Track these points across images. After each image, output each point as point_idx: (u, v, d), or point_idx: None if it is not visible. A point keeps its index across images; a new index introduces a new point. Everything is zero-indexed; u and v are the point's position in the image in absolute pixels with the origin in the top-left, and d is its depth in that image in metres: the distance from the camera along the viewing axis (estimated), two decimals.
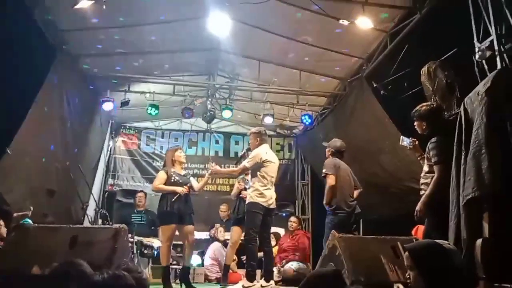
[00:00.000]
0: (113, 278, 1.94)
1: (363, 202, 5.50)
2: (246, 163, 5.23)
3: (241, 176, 6.01)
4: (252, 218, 5.07)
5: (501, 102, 3.02)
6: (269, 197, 5.17)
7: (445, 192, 3.42)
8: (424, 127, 4.01)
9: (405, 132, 5.10)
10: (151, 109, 7.86)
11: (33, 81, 5.64)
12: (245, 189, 5.80)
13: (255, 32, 6.75)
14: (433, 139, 3.84)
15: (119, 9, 5.92)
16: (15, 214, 3.41)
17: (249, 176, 5.40)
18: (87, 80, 7.40)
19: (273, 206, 5.27)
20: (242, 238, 5.57)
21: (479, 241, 2.82)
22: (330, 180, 5.18)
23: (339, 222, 5.06)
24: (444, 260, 2.29)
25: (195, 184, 5.67)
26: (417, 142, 4.24)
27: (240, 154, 6.46)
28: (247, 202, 5.20)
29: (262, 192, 5.10)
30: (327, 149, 5.61)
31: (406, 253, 2.41)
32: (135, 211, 7.24)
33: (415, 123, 4.11)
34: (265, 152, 5.28)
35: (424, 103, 4.13)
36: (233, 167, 6.69)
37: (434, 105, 4.15)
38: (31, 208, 3.99)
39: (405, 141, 4.37)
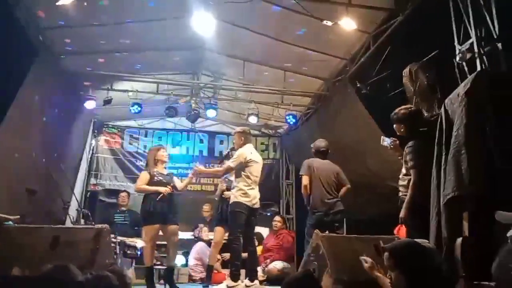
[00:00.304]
0: (97, 278, 1.93)
1: (351, 202, 5.56)
2: (230, 163, 5.24)
3: (224, 176, 6.01)
4: (236, 218, 5.07)
5: (481, 103, 3.09)
6: (253, 196, 5.18)
7: (424, 195, 3.50)
8: (402, 130, 4.11)
9: (387, 132, 5.17)
10: (134, 108, 7.79)
11: (13, 79, 5.54)
12: (227, 189, 5.80)
13: (239, 32, 6.74)
14: (410, 143, 3.93)
15: (102, 6, 5.84)
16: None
17: (233, 176, 5.40)
18: (68, 78, 7.30)
19: (257, 205, 5.28)
20: (226, 238, 5.58)
21: (459, 240, 2.88)
22: (303, 181, 5.38)
23: (316, 221, 5.18)
24: (424, 259, 2.34)
25: (178, 183, 5.65)
26: (397, 142, 4.31)
27: (224, 153, 6.46)
28: (231, 201, 5.19)
29: (246, 192, 5.11)
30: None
31: (387, 253, 2.45)
32: (117, 211, 7.16)
33: (394, 126, 4.20)
34: (249, 152, 5.30)
35: (403, 106, 4.21)
36: (217, 166, 6.68)
37: (413, 108, 4.23)
38: (18, 217, 3.91)
39: (386, 141, 4.44)
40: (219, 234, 5.81)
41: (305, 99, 8.73)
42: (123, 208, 7.18)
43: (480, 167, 2.93)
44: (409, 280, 2.32)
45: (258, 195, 5.30)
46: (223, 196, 5.95)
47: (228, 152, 6.12)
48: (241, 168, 5.20)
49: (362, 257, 3.14)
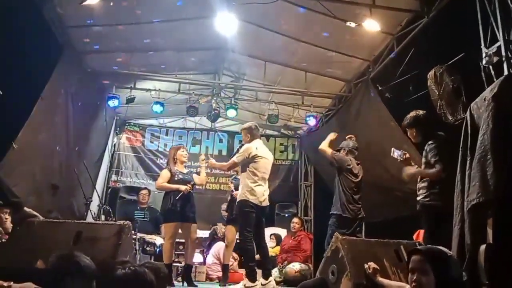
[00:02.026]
0: (135, 274, 1.96)
1: (368, 204, 5.49)
2: (235, 158, 5.08)
3: (233, 176, 5.99)
4: (244, 218, 4.88)
5: (508, 108, 3.02)
6: (261, 194, 4.92)
7: (447, 200, 3.45)
8: (414, 135, 4.06)
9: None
10: (156, 107, 7.88)
11: (39, 77, 5.67)
12: (236, 188, 5.76)
13: (261, 32, 6.76)
14: (430, 142, 3.89)
15: (127, 6, 5.94)
16: (27, 209, 3.42)
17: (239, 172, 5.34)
18: (92, 76, 7.43)
19: (265, 203, 5.02)
20: (238, 238, 5.49)
21: (482, 247, 2.82)
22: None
23: (342, 225, 5.08)
24: (451, 267, 2.30)
25: (197, 179, 5.67)
26: (407, 155, 4.26)
27: (235, 151, 6.33)
28: (237, 200, 5.00)
29: (252, 189, 4.86)
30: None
31: (418, 256, 2.39)
32: (138, 208, 7.24)
33: (408, 133, 4.16)
34: (255, 147, 5.05)
35: (413, 111, 4.15)
36: None
37: (420, 112, 4.17)
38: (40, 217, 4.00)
39: (396, 153, 4.38)
40: (231, 233, 5.69)
41: (326, 101, 8.70)
42: (143, 206, 7.25)
43: (506, 173, 2.86)
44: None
45: (267, 192, 5.05)
46: (232, 195, 5.90)
47: (238, 150, 5.99)
48: (246, 163, 5.00)
49: (366, 264, 3.18)
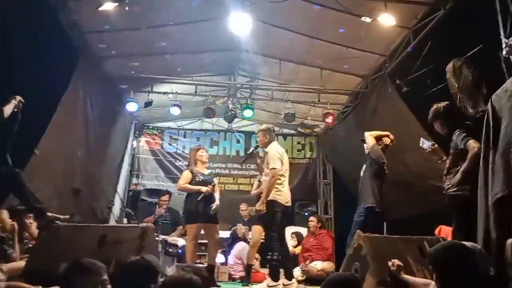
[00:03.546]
0: (178, 281, 2.00)
1: (388, 201, 5.41)
2: (274, 165, 4.97)
3: (259, 177, 5.96)
4: (272, 218, 4.94)
5: None
6: (287, 194, 5.06)
7: (471, 183, 3.40)
8: (440, 128, 4.00)
9: (428, 129, 5.03)
10: (173, 109, 7.95)
11: (58, 83, 5.78)
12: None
13: (275, 31, 6.76)
14: (457, 130, 3.80)
15: (142, 11, 6.00)
16: (49, 214, 3.49)
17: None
18: (110, 81, 7.53)
19: (289, 204, 5.13)
20: (263, 237, 5.48)
21: (509, 241, 2.77)
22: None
23: (374, 220, 4.92)
24: (464, 262, 2.27)
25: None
26: (436, 146, 4.19)
27: (248, 152, 6.21)
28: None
29: (280, 190, 4.97)
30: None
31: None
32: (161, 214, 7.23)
33: (435, 128, 4.10)
34: (278, 149, 5.17)
35: (433, 105, 4.10)
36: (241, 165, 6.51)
37: (441, 105, 4.08)
38: (68, 216, 4.07)
39: (425, 144, 4.32)
40: (258, 233, 5.72)
41: (343, 97, 8.64)
42: (164, 207, 7.25)
43: None
44: (444, 283, 2.28)
45: (289, 193, 5.15)
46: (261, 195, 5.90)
47: (253, 150, 5.79)
48: None
49: (389, 261, 3.14)
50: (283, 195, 4.99)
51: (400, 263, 3.17)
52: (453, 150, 3.85)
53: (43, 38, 5.19)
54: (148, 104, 7.80)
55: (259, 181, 6.16)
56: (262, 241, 5.71)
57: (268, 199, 4.94)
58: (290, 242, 7.81)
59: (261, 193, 5.86)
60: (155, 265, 2.33)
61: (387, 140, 5.24)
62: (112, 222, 6.37)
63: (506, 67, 3.89)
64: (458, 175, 3.71)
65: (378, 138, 5.25)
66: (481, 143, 3.33)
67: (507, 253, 2.74)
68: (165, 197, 7.36)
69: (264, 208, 4.92)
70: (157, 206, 7.29)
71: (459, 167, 3.73)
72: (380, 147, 5.18)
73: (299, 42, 6.96)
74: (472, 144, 3.65)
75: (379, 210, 4.95)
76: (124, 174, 9.21)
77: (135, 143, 9.82)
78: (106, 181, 6.65)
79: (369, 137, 5.21)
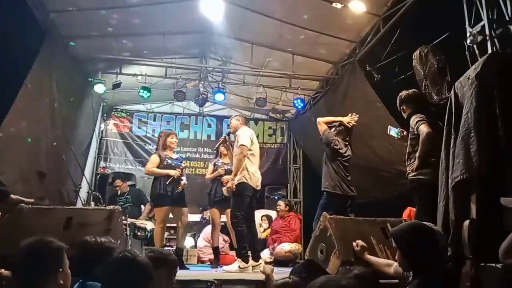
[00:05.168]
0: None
1: (356, 185, 5.54)
2: (243, 142, 5.01)
3: (221, 162, 6.04)
4: (241, 201, 4.98)
5: (491, 87, 3.06)
6: (258, 177, 5.12)
7: (432, 168, 3.56)
8: (408, 112, 4.15)
9: (396, 115, 5.16)
10: (143, 92, 7.81)
11: (22, 63, 5.57)
12: (225, 173, 5.80)
13: (248, 15, 6.70)
14: (413, 116, 4.00)
15: None
16: (13, 196, 3.38)
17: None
18: (77, 62, 7.32)
19: (259, 187, 5.19)
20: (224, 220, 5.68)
21: (466, 222, 2.89)
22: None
23: (336, 204, 5.05)
24: (427, 240, 2.39)
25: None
26: (405, 133, 4.32)
27: (220, 139, 6.28)
28: (236, 183, 4.96)
29: (252, 173, 5.02)
30: None
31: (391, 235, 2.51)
32: (118, 193, 7.14)
33: (401, 110, 4.26)
34: (250, 131, 5.31)
35: (402, 91, 4.25)
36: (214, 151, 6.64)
37: (407, 92, 4.32)
38: (32, 200, 3.95)
39: (393, 131, 4.43)
40: (216, 216, 5.91)
41: (313, 83, 8.71)
42: (123, 191, 7.14)
43: (489, 150, 2.92)
44: (408, 260, 2.39)
45: (260, 177, 5.19)
46: (218, 178, 5.92)
47: (225, 137, 6.03)
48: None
49: (354, 242, 3.30)
50: (255, 178, 5.05)
51: (364, 244, 3.28)
52: (410, 135, 4.00)
53: (5, 16, 4.99)
54: (116, 86, 7.62)
55: (214, 164, 6.17)
56: (222, 224, 5.93)
57: (239, 181, 4.96)
58: (262, 224, 7.95)
59: (217, 176, 5.91)
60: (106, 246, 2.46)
61: (340, 119, 5.46)
62: (79, 206, 6.24)
63: (469, 55, 3.99)
64: (416, 161, 3.87)
65: (330, 123, 5.43)
66: (444, 128, 3.45)
67: (464, 234, 2.87)
68: (117, 182, 7.22)
69: (234, 184, 4.95)
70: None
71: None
72: (335, 131, 5.35)
73: (271, 27, 6.93)
74: (423, 129, 3.82)
75: (340, 193, 5.11)
76: (92, 157, 9.03)
77: (103, 125, 9.60)
78: (73, 164, 6.50)
79: (321, 123, 5.39)
